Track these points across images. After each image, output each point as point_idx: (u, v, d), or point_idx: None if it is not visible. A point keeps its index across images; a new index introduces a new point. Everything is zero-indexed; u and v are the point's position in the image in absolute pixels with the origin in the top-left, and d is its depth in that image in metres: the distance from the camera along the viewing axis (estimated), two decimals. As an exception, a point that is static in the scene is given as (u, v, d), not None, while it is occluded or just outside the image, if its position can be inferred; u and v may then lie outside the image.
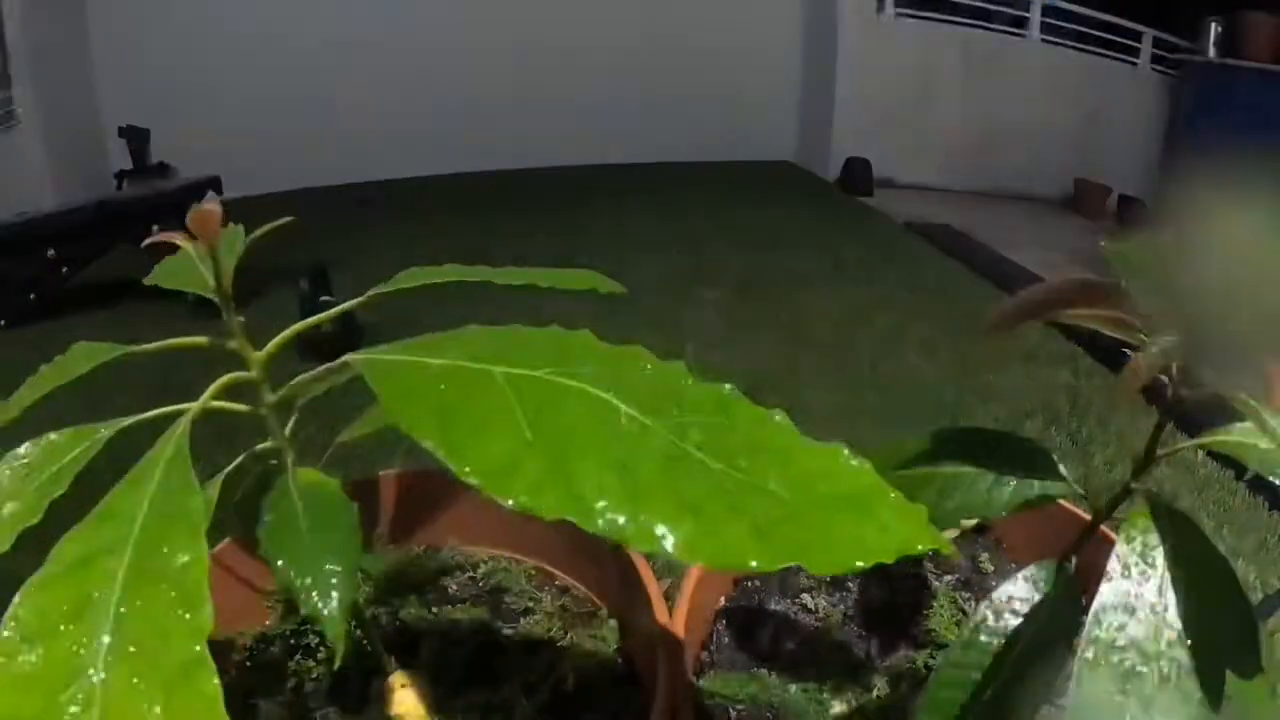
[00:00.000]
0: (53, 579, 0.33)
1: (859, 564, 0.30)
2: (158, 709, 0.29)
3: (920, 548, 0.32)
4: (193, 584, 0.32)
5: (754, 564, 0.30)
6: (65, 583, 0.33)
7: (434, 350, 0.40)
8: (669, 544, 0.30)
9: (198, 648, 0.30)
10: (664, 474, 0.33)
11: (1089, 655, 0.39)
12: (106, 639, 0.30)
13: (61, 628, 0.31)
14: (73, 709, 0.28)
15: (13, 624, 0.31)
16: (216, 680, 0.30)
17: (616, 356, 0.39)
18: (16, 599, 0.32)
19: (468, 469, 0.33)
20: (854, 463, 0.35)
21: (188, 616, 0.31)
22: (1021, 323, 0.41)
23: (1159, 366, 0.39)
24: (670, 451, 0.34)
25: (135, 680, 0.29)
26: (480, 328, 0.43)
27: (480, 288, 0.55)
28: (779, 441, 0.36)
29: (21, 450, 0.43)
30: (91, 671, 0.29)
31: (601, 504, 0.31)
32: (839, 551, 0.31)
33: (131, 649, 0.30)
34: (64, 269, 2.70)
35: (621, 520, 0.31)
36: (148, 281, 0.55)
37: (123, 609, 0.32)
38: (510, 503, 0.31)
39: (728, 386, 0.38)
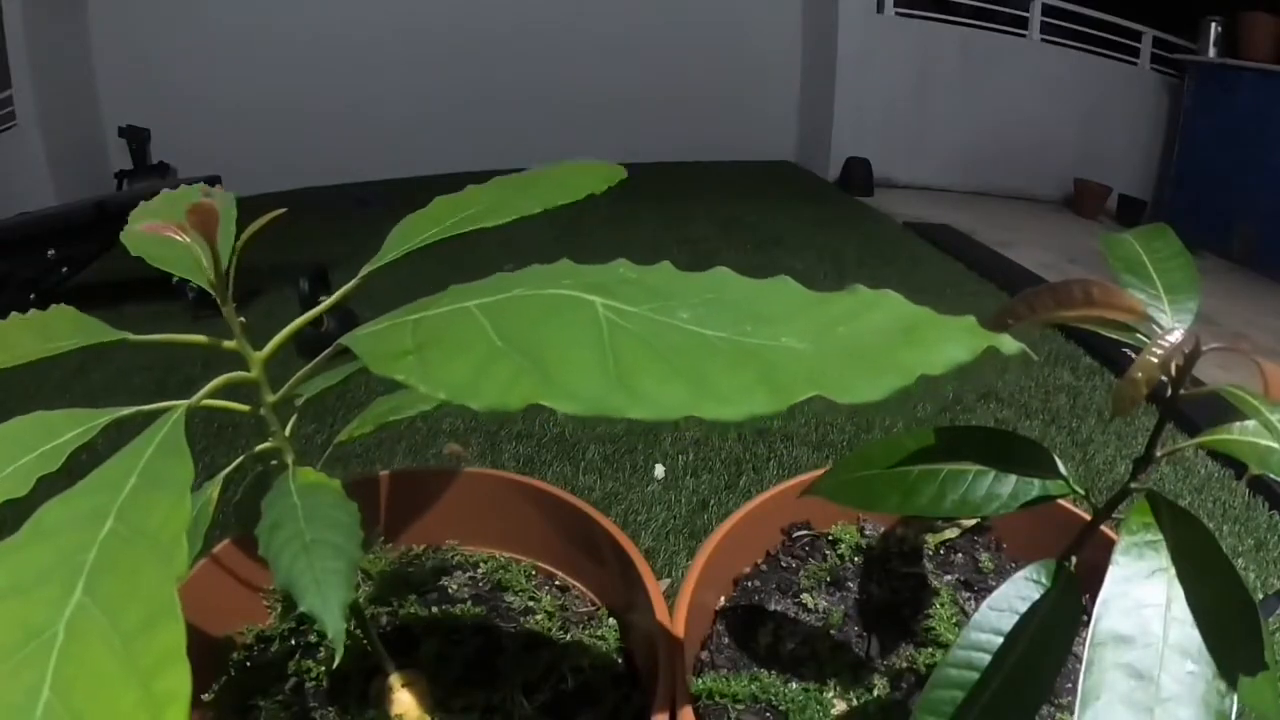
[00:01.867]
0: (29, 541, 0.33)
1: (897, 384, 0.27)
2: (117, 657, 0.28)
3: (967, 358, 0.29)
4: (170, 536, 0.32)
5: (761, 408, 0.27)
6: (43, 545, 0.33)
7: (412, 310, 0.40)
8: (660, 405, 0.28)
9: (166, 596, 0.30)
10: (649, 349, 0.31)
11: (1094, 652, 0.39)
12: (78, 595, 0.30)
13: (33, 588, 0.31)
14: (31, 661, 0.28)
15: None
16: (182, 627, 0.29)
17: (596, 269, 0.38)
18: None
19: (437, 388, 0.31)
20: (877, 295, 0.32)
21: (161, 564, 0.31)
22: (1019, 323, 0.41)
23: (1160, 370, 0.39)
24: (656, 329, 0.32)
25: (98, 631, 0.29)
26: (461, 285, 0.42)
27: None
28: (786, 304, 0.33)
29: (17, 423, 0.43)
30: (56, 626, 0.29)
31: (578, 382, 0.29)
32: (872, 377, 0.28)
33: (101, 603, 0.30)
34: (64, 269, 2.71)
35: (602, 392, 0.29)
36: (127, 241, 0.54)
37: (98, 567, 0.31)
38: (478, 406, 0.30)
39: (722, 268, 0.36)
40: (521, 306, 0.36)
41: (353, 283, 0.51)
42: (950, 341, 0.30)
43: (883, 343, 0.30)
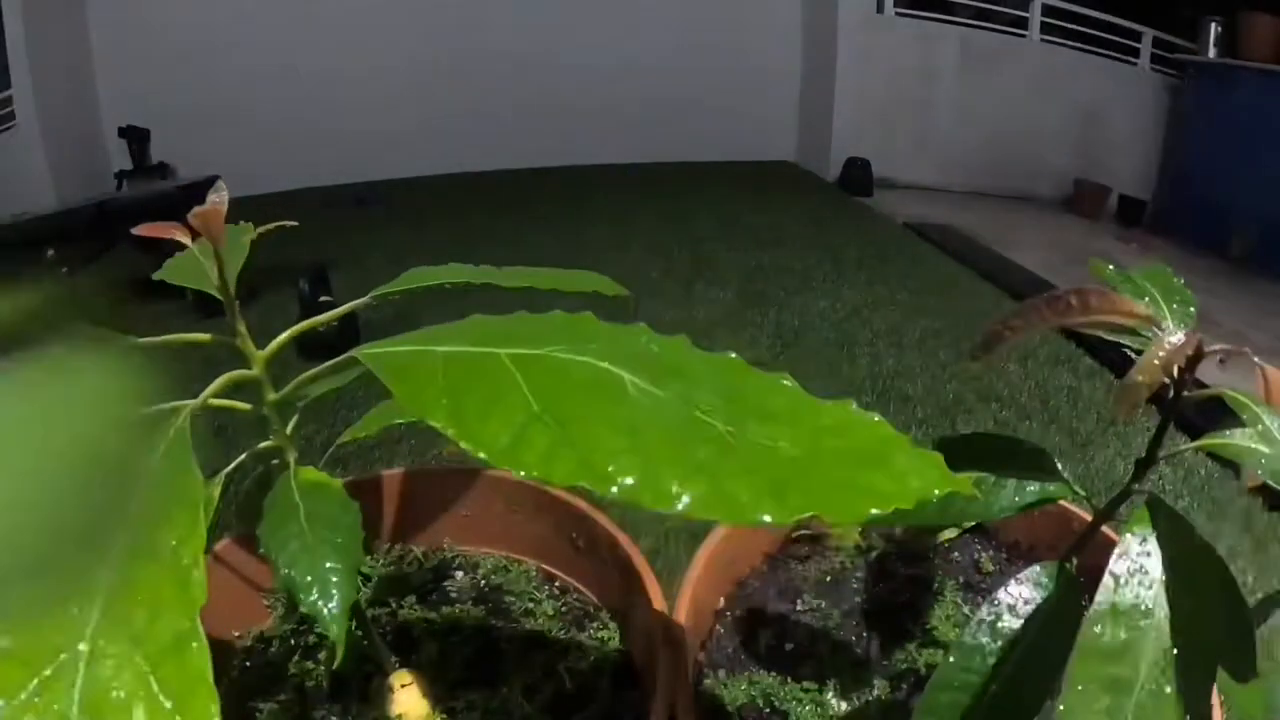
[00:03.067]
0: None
1: (875, 511, 0.31)
2: (147, 682, 0.28)
3: (936, 492, 0.32)
4: (186, 561, 0.32)
5: (768, 518, 0.30)
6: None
7: (438, 339, 0.40)
8: (684, 503, 0.31)
9: (188, 623, 0.30)
10: (674, 438, 0.33)
11: (1078, 664, 0.39)
12: (96, 616, 0.30)
13: (51, 606, 0.30)
14: (55, 683, 0.28)
15: None
16: (207, 654, 0.29)
17: (619, 334, 0.40)
18: None
19: (478, 447, 0.33)
20: (864, 415, 0.35)
21: (179, 592, 0.31)
22: (1016, 336, 0.41)
23: (1162, 373, 0.39)
24: (679, 417, 0.34)
25: (122, 655, 0.29)
26: (483, 317, 0.43)
27: (480, 286, 0.55)
28: (787, 404, 0.36)
29: None
30: (79, 647, 0.29)
31: (613, 468, 0.32)
32: (855, 500, 0.31)
33: (121, 626, 0.30)
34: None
35: (635, 482, 0.31)
36: (157, 277, 0.55)
37: (115, 587, 0.31)
38: (523, 474, 0.32)
39: (732, 355, 0.39)
40: (555, 369, 0.37)
41: (362, 300, 0.51)
42: (920, 476, 0.33)
43: (862, 464, 0.33)
